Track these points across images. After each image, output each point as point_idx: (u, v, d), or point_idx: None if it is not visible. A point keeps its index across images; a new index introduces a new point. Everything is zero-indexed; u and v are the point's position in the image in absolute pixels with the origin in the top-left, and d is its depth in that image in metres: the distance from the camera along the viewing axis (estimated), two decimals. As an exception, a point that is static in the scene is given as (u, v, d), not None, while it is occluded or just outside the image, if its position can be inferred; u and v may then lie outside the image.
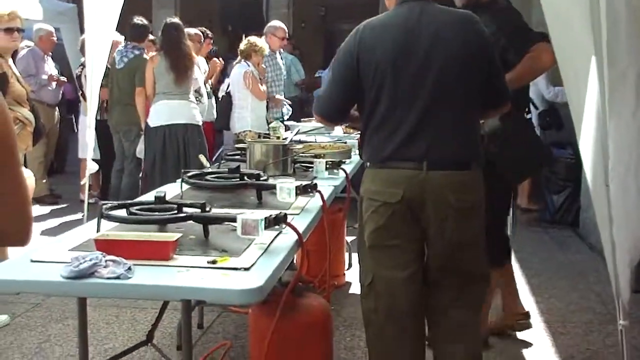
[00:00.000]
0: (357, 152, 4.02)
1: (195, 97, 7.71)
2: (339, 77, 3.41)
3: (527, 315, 4.80)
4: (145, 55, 7.86)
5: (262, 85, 7.93)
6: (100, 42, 6.95)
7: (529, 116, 4.58)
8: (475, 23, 3.36)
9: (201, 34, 8.51)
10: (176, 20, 7.56)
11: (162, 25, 7.45)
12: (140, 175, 8.04)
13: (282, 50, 9.21)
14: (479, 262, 3.42)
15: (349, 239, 6.45)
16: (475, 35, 3.33)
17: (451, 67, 3.23)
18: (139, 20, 8.18)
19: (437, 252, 3.33)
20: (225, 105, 8.09)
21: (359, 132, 3.59)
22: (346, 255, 6.22)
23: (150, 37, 8.34)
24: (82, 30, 8.17)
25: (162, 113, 7.31)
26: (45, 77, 9.30)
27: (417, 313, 3.41)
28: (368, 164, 3.43)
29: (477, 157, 3.35)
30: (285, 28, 8.83)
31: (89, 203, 6.66)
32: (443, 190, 3.20)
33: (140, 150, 7.75)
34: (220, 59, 9.55)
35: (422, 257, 3.39)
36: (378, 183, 3.33)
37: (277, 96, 8.46)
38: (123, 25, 7.45)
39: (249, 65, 7.87)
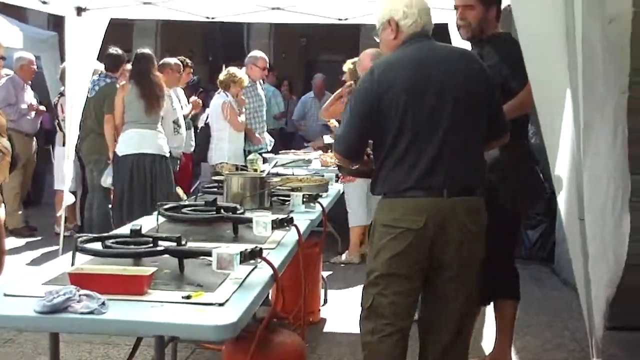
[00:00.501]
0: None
1: (174, 128, 7.78)
2: (358, 115, 3.55)
3: None
4: (116, 84, 7.84)
5: (240, 116, 7.94)
6: (81, 71, 6.98)
7: None
8: (476, 59, 3.69)
9: (180, 63, 8.48)
10: (147, 50, 7.67)
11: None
12: (110, 205, 7.96)
13: (262, 81, 9.23)
14: (477, 284, 3.64)
15: (324, 274, 6.46)
16: (479, 70, 3.59)
17: (462, 100, 3.46)
18: (113, 50, 8.22)
19: (452, 273, 3.51)
20: (204, 136, 8.10)
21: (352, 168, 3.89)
22: (322, 291, 6.20)
23: (128, 66, 8.30)
24: (62, 59, 8.18)
25: (132, 142, 7.33)
26: (24, 106, 9.19)
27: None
28: (384, 194, 3.58)
29: (482, 184, 3.61)
30: (266, 58, 8.85)
31: (65, 236, 6.62)
32: (462, 215, 3.45)
33: (104, 179, 7.69)
34: (201, 89, 9.57)
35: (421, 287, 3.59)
36: (399, 211, 3.47)
37: (258, 133, 8.47)
38: (104, 55, 7.49)
39: (227, 96, 7.88)
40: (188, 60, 9.12)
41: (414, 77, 3.45)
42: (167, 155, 7.50)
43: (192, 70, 9.30)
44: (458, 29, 4.44)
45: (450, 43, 6.33)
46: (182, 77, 8.65)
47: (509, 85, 4.04)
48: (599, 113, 3.41)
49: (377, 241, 3.54)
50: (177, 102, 8.09)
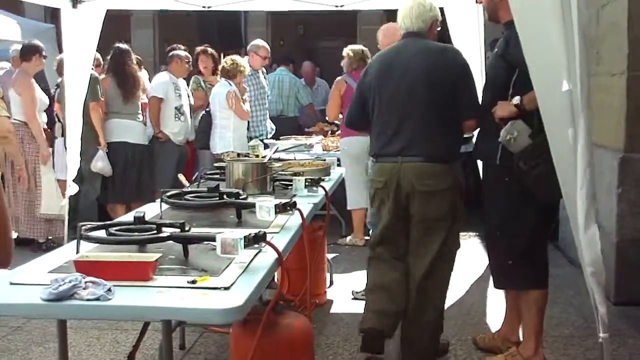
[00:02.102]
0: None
1: (174, 114, 8.02)
2: (355, 95, 4.70)
3: (518, 344, 4.58)
4: (95, 73, 7.86)
5: (244, 104, 7.93)
6: (79, 63, 6.97)
7: None
8: (447, 53, 4.45)
9: (189, 55, 8.57)
10: (123, 45, 8.15)
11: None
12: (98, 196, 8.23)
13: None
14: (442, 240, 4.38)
15: (329, 256, 6.47)
16: (443, 61, 4.37)
17: (417, 87, 4.31)
18: None
19: (417, 219, 4.38)
20: (205, 124, 8.08)
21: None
22: (327, 273, 6.22)
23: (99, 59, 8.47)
24: (60, 51, 8.17)
25: (114, 131, 8.04)
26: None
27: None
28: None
29: (450, 156, 4.40)
30: (268, 47, 8.82)
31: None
32: (410, 176, 4.29)
33: (94, 164, 7.86)
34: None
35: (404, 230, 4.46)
36: (375, 173, 4.55)
37: (260, 121, 8.54)
38: (102, 46, 7.47)
39: (230, 85, 7.85)
40: (210, 49, 9.11)
41: (383, 67, 4.45)
42: (146, 143, 8.17)
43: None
44: None
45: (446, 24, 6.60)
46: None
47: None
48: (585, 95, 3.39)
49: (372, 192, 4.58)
50: (183, 91, 8.28)
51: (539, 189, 4.11)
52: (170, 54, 8.43)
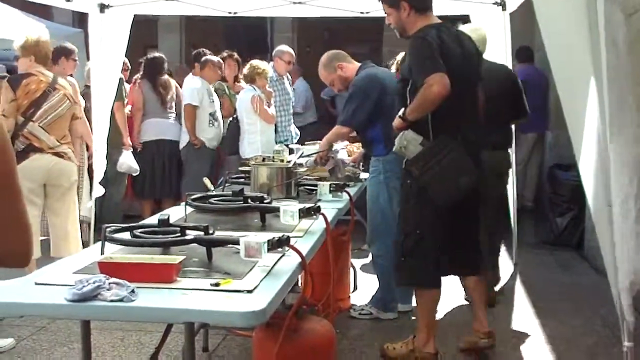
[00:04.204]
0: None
1: (209, 120, 8.20)
2: None
3: (488, 334, 4.81)
4: (120, 75, 7.98)
5: (269, 108, 7.94)
6: (108, 67, 7.03)
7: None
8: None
9: (222, 61, 8.62)
10: (157, 53, 8.67)
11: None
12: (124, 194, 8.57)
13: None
14: None
15: (353, 261, 6.46)
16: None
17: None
18: None
19: None
20: (234, 130, 8.11)
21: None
22: (351, 278, 6.20)
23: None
24: (88, 54, 8.22)
25: (152, 130, 8.45)
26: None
27: None
28: None
29: None
30: (292, 52, 8.79)
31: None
32: None
33: (120, 165, 8.01)
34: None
35: None
36: None
37: (284, 126, 8.51)
38: (129, 50, 7.50)
39: (255, 89, 7.86)
40: (234, 53, 9.15)
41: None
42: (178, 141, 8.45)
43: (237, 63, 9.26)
44: None
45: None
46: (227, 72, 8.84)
47: (414, 78, 4.34)
48: (621, 103, 3.37)
49: None
50: (215, 97, 8.37)
51: (434, 191, 4.35)
52: (204, 59, 8.42)
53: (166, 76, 8.71)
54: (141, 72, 8.62)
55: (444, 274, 4.69)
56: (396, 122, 4.42)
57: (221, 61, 8.58)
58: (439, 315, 5.11)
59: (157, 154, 8.48)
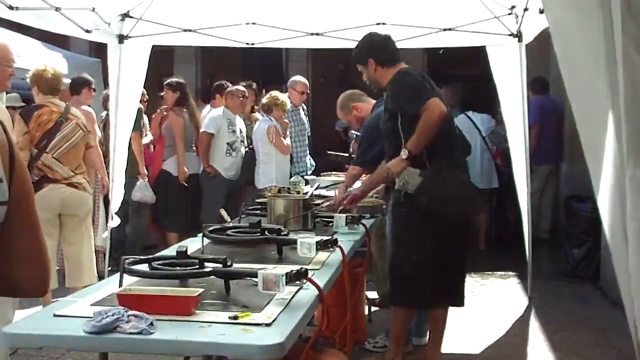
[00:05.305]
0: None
1: (226, 150, 8.20)
2: None
3: None
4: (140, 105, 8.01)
5: (285, 139, 7.97)
6: (127, 98, 7.08)
7: None
8: None
9: (245, 90, 8.66)
10: (182, 80, 8.70)
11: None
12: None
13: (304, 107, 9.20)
14: None
15: (368, 293, 6.44)
16: None
17: None
18: None
19: None
20: (249, 160, 8.15)
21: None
22: (366, 309, 6.18)
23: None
24: (105, 84, 8.29)
25: (190, 164, 8.42)
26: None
27: None
28: None
29: None
30: (306, 82, 8.83)
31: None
32: None
33: (134, 194, 8.11)
34: None
35: None
36: None
37: (300, 157, 8.57)
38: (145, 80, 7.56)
39: (271, 120, 7.91)
40: (253, 84, 9.25)
41: None
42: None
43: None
44: None
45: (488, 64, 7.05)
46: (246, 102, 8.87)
47: (405, 109, 4.58)
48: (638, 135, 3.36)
49: None
50: (237, 127, 8.36)
51: (445, 212, 4.50)
52: (228, 89, 8.50)
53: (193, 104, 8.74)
54: (177, 97, 8.55)
55: (438, 301, 4.87)
56: (399, 166, 4.53)
57: (244, 91, 8.59)
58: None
59: (181, 186, 8.39)
